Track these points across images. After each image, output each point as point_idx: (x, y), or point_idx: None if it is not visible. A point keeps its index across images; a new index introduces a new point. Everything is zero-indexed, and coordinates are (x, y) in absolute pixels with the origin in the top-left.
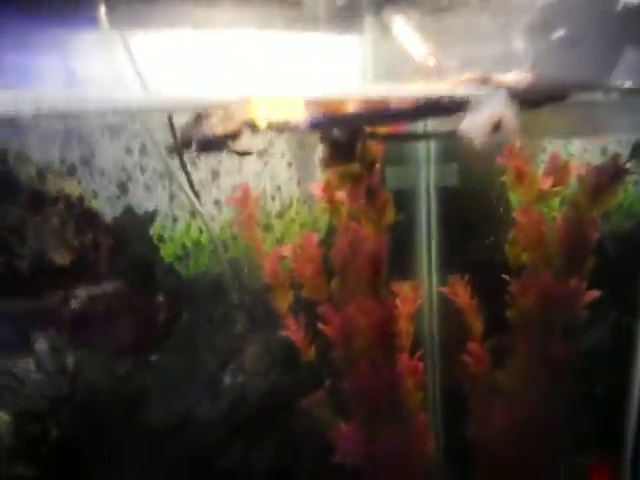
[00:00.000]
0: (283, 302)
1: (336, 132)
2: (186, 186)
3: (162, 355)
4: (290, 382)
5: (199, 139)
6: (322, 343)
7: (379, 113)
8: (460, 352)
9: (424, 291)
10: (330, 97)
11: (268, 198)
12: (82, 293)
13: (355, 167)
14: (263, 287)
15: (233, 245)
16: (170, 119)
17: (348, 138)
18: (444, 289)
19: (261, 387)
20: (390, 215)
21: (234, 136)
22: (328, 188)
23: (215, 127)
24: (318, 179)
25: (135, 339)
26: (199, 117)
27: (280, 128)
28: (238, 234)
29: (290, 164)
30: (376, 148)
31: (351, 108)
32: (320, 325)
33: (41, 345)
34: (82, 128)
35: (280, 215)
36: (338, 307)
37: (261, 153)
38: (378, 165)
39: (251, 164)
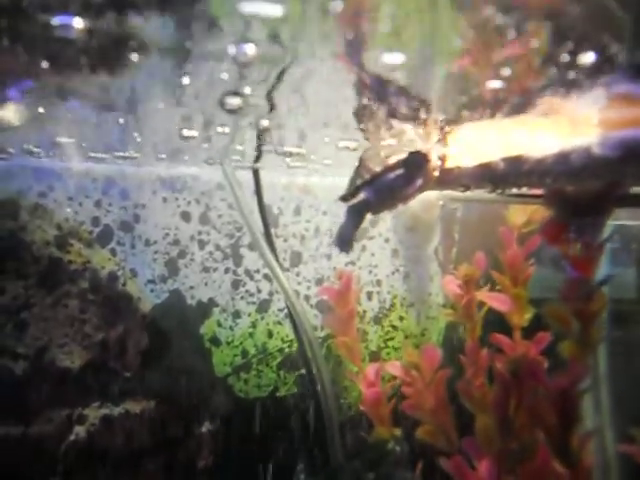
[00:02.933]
0: None
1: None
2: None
3: None
4: None
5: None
6: None
7: None
8: None
9: (595, 450)
10: None
11: (363, 296)
12: (93, 413)
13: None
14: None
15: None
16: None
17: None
18: (628, 448)
19: None
20: (601, 328)
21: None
22: (468, 284)
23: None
24: (433, 273)
25: None
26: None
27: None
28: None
29: (395, 252)
30: None
31: None
32: None
33: None
34: (128, 181)
35: (378, 320)
36: (474, 461)
37: (359, 235)
38: None
39: None
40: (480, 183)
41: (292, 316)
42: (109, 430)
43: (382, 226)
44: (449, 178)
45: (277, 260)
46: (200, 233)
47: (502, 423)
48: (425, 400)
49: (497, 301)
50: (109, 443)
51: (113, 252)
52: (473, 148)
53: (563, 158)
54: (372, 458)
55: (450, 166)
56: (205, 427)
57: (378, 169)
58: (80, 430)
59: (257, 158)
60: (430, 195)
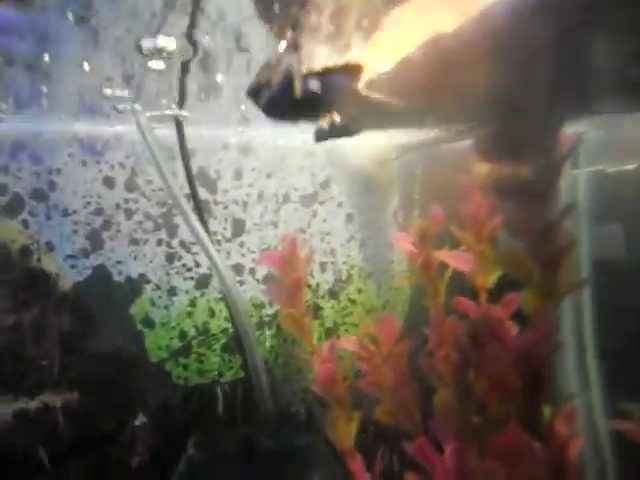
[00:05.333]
0: (344, 431)
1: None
2: (192, 218)
3: None
4: None
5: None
6: None
7: None
8: None
9: (582, 425)
10: None
11: (316, 267)
12: (4, 409)
13: (525, 172)
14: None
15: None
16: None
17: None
18: (620, 425)
19: None
20: (574, 273)
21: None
22: (424, 241)
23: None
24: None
25: None
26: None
27: None
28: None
29: (350, 216)
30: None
31: None
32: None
33: None
34: (40, 142)
35: (333, 294)
36: (441, 443)
37: (309, 199)
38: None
39: (293, 214)
40: (405, 92)
41: (224, 295)
42: (24, 427)
43: (334, 189)
44: (369, 95)
45: (206, 228)
46: (127, 201)
47: (461, 395)
48: (383, 376)
49: (458, 260)
50: (24, 442)
51: (25, 224)
52: (389, 49)
53: (482, 22)
54: (268, 424)
55: (369, 77)
56: (139, 420)
57: (325, 61)
58: None
59: (180, 104)
60: (382, 150)
